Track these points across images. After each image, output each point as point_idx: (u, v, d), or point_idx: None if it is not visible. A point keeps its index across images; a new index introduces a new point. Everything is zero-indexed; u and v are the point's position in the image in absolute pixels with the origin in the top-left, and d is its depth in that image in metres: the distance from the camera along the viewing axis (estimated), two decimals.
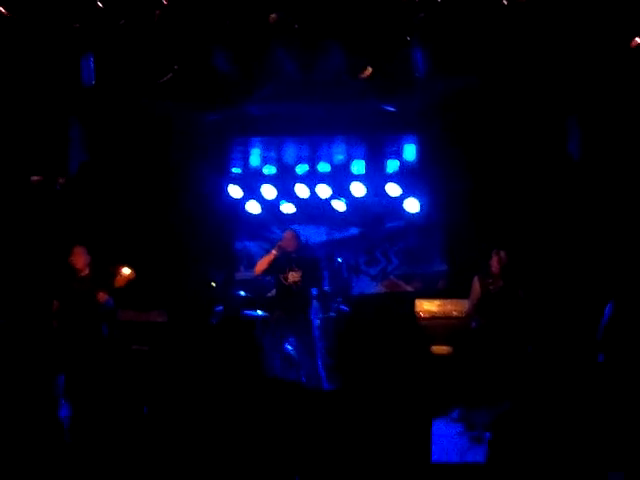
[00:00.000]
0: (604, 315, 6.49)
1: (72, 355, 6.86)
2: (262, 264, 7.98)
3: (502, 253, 7.28)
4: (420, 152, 9.13)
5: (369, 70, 6.45)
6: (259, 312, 8.37)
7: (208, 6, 6.19)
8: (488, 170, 8.73)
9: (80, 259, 7.04)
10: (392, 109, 7.36)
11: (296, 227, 8.94)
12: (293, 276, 7.84)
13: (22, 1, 6.15)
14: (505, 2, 5.91)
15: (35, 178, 7.58)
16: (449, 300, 8.37)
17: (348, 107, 8.02)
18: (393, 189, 9.05)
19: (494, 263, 7.28)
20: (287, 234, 7.95)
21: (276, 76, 7.06)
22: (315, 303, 8.11)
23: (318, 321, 7.98)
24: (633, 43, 6.16)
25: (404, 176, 9.08)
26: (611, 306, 6.50)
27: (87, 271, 7.07)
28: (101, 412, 6.34)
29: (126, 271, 6.76)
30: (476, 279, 7.44)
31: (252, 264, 9.60)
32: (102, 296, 6.85)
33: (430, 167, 9.02)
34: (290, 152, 9.33)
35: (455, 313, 8.30)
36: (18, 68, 6.58)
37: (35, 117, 7.25)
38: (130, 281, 6.80)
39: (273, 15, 6.12)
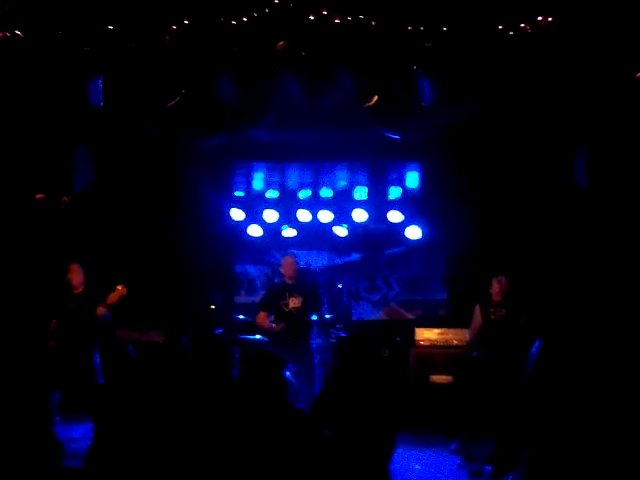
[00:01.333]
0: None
1: (68, 373, 6.86)
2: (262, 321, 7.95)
3: (502, 279, 7.23)
4: (423, 180, 9.18)
5: (375, 98, 6.50)
6: (258, 337, 8.34)
7: (217, 32, 6.25)
8: (491, 198, 8.74)
9: (76, 276, 7.07)
10: (396, 137, 7.40)
11: (297, 252, 8.94)
12: (294, 302, 7.81)
13: (33, 22, 6.19)
14: (511, 33, 5.96)
15: (39, 196, 7.60)
16: (449, 329, 8.35)
17: (352, 134, 8.07)
18: (395, 216, 9.08)
19: (495, 290, 7.24)
20: (286, 259, 7.94)
21: (281, 102, 7.09)
22: (315, 329, 8.11)
23: (316, 347, 7.97)
24: (638, 74, 6.20)
25: (406, 203, 9.12)
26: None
27: (82, 289, 7.09)
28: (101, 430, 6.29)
29: (119, 287, 6.79)
30: (477, 307, 7.39)
31: (252, 288, 9.64)
32: (100, 310, 6.86)
33: (432, 195, 9.06)
34: (293, 177, 9.38)
35: (455, 342, 8.28)
36: (27, 87, 6.62)
37: (43, 137, 7.28)
38: (123, 297, 6.80)
39: (281, 42, 6.18)
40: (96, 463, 5.86)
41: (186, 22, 6.20)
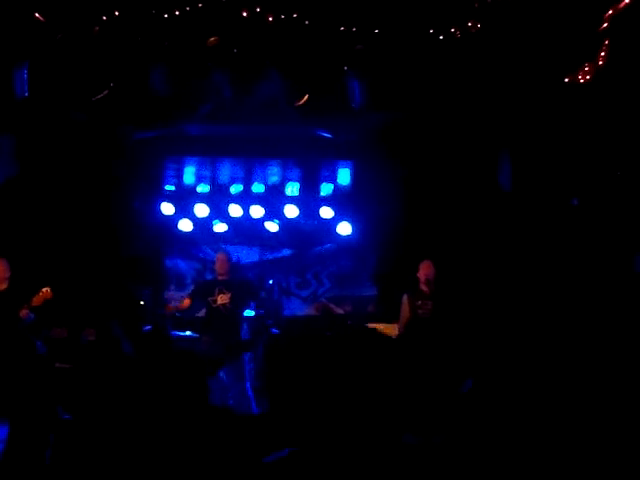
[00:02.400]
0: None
1: None
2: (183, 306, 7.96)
3: (430, 264, 6.92)
4: (354, 177, 9.28)
5: (305, 97, 6.53)
6: (188, 333, 8.29)
7: (148, 25, 6.17)
8: (420, 196, 8.90)
9: (0, 271, 6.84)
10: (328, 135, 7.46)
11: (228, 247, 8.95)
12: (222, 298, 7.78)
13: None
14: (441, 37, 6.09)
15: None
16: (379, 324, 8.45)
17: (285, 130, 8.09)
18: (326, 212, 9.15)
19: (423, 275, 6.91)
20: (219, 256, 7.91)
21: (213, 97, 7.05)
22: (245, 325, 8.11)
23: (247, 342, 7.97)
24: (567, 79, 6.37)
25: (337, 200, 9.21)
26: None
27: (5, 285, 6.87)
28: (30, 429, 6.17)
29: (44, 290, 6.61)
30: (405, 298, 7.04)
31: (182, 283, 9.57)
32: (23, 312, 6.67)
33: (363, 192, 9.17)
34: (225, 172, 9.34)
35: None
36: None
37: None
38: (47, 300, 6.63)
39: (212, 38, 6.14)
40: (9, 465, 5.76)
41: (117, 13, 6.09)
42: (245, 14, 6.11)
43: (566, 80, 6.06)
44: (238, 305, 7.87)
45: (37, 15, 5.92)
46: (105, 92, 6.39)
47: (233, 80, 6.67)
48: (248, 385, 7.77)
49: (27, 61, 6.27)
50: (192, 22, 6.19)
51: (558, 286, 7.67)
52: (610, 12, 5.57)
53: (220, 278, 7.81)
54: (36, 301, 6.58)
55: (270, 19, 6.06)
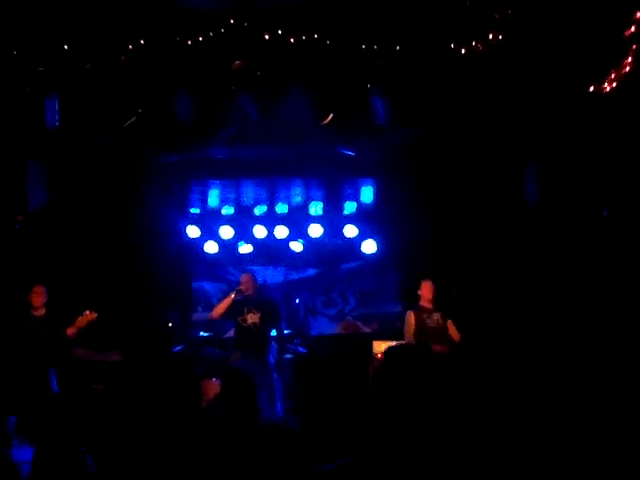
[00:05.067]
0: None
1: (24, 395, 6.76)
2: (220, 308, 7.98)
3: (431, 283, 7.33)
4: (377, 195, 9.33)
5: (330, 117, 6.62)
6: (217, 351, 8.36)
7: (172, 52, 6.30)
8: (444, 212, 8.92)
9: (39, 298, 6.99)
10: (351, 153, 7.53)
11: (254, 268, 9.01)
12: (252, 317, 7.85)
13: None
14: (463, 51, 6.13)
15: None
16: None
17: (307, 150, 8.17)
18: (350, 230, 9.21)
19: (425, 293, 7.31)
20: (244, 277, 7.98)
21: (238, 120, 7.16)
22: (274, 344, 8.15)
23: (275, 362, 8.01)
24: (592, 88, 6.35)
25: (361, 218, 9.25)
26: None
27: (43, 311, 7.01)
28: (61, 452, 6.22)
29: (88, 313, 6.80)
30: (410, 313, 7.37)
31: (209, 305, 9.63)
32: (71, 331, 6.85)
33: (387, 209, 9.20)
34: (248, 193, 9.43)
35: None
36: None
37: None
38: (91, 322, 6.82)
39: (237, 62, 6.26)
40: None
41: (142, 42, 6.23)
42: (267, 37, 6.22)
43: (591, 89, 6.06)
44: (267, 324, 7.94)
45: (65, 46, 6.06)
46: (132, 119, 6.51)
47: (257, 103, 6.77)
48: (279, 406, 7.81)
49: (57, 92, 6.41)
50: (215, 47, 6.31)
51: (588, 300, 7.62)
52: (638, 15, 5.54)
53: (248, 298, 7.89)
54: (81, 322, 6.79)
55: (292, 40, 6.16)
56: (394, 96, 6.40)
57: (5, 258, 7.79)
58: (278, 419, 7.37)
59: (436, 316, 7.27)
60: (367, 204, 9.31)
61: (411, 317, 7.33)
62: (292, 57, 6.29)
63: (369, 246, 9.24)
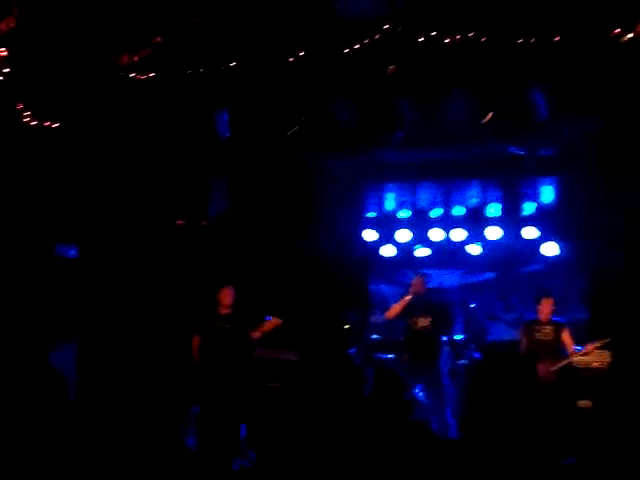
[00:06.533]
0: None
1: (209, 388, 7.27)
2: (396, 309, 8.06)
3: (552, 300, 7.47)
4: (559, 194, 8.84)
5: (489, 115, 6.41)
6: (390, 355, 8.40)
7: (329, 62, 6.47)
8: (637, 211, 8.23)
9: (228, 298, 7.50)
10: (521, 152, 7.22)
11: (430, 271, 8.94)
12: (422, 321, 7.84)
13: (164, 66, 6.74)
14: (631, 35, 5.64)
15: (179, 222, 8.20)
16: None
17: (480, 150, 7.96)
18: (530, 232, 8.81)
19: (545, 310, 7.44)
20: (416, 279, 7.98)
21: (403, 124, 7.17)
22: (445, 350, 8.03)
23: (447, 369, 7.89)
24: None
25: (542, 219, 8.82)
26: None
27: (230, 311, 7.50)
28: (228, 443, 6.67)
29: (274, 318, 7.26)
30: (522, 327, 7.67)
31: (386, 307, 9.67)
32: (257, 335, 7.32)
33: (571, 209, 8.68)
34: (424, 196, 9.38)
35: (596, 364, 7.83)
36: (162, 125, 7.19)
37: (180, 169, 7.85)
38: (276, 327, 7.27)
39: (391, 67, 6.28)
40: None
41: (301, 54, 6.47)
42: (422, 39, 6.17)
43: None
44: (438, 329, 7.86)
45: (232, 63, 6.47)
46: (296, 128, 6.79)
47: (417, 106, 6.75)
48: (449, 411, 7.68)
49: (225, 105, 6.87)
50: (370, 53, 6.38)
51: None
52: None
53: (418, 302, 7.86)
54: (267, 327, 7.28)
55: (447, 41, 6.06)
56: (558, 89, 6.02)
57: (192, 259, 8.44)
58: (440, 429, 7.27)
59: (548, 328, 7.39)
60: (548, 204, 8.85)
61: (521, 331, 7.65)
62: (449, 58, 6.18)
63: (550, 248, 8.78)
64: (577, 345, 7.61)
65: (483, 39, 5.89)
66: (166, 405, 7.23)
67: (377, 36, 6.22)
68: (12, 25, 6.15)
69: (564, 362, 7.41)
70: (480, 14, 5.98)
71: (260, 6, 6.52)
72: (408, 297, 7.93)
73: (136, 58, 6.72)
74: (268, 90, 6.71)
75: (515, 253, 9.10)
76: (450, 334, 8.05)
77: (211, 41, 6.58)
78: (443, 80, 6.40)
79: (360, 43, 6.31)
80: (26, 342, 6.97)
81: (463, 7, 6.05)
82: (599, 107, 6.33)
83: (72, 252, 7.80)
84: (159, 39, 6.64)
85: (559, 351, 7.42)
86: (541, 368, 6.89)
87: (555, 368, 7.33)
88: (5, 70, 6.32)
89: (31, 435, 4.83)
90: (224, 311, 7.50)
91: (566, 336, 7.44)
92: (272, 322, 7.35)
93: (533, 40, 5.69)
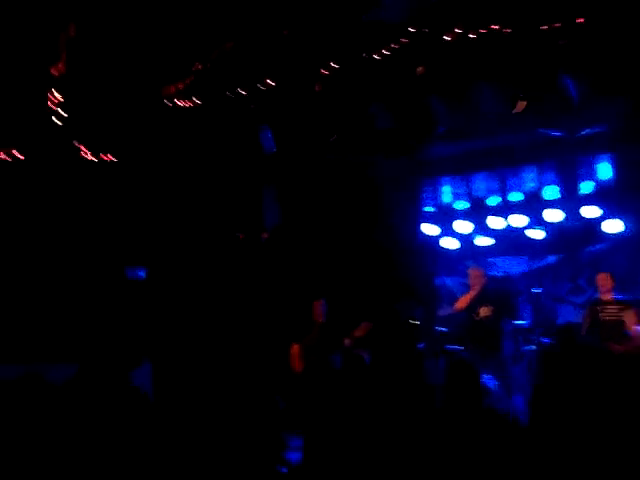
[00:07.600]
0: None
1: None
2: (464, 301, 8.14)
3: (608, 275, 7.39)
4: (617, 169, 8.66)
5: (523, 104, 6.41)
6: (457, 347, 8.48)
7: (359, 71, 6.63)
8: None
9: (319, 309, 7.79)
10: (560, 134, 7.17)
11: (493, 260, 8.97)
12: (484, 311, 7.90)
13: (207, 91, 7.09)
14: None
15: (240, 235, 8.56)
16: None
17: (521, 138, 7.93)
18: (590, 211, 8.68)
19: (601, 285, 7.39)
20: (472, 271, 8.03)
21: (439, 120, 7.26)
22: (509, 337, 8.06)
23: (511, 355, 7.91)
24: None
25: (601, 196, 8.67)
26: None
27: (323, 319, 7.81)
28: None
29: (367, 324, 7.72)
30: (587, 308, 7.58)
31: (453, 299, 9.75)
32: (348, 341, 7.60)
33: (630, 184, 8.49)
34: (480, 185, 9.36)
35: None
36: (211, 147, 7.55)
37: (232, 186, 8.19)
38: (368, 331, 7.55)
39: (419, 68, 6.39)
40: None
41: (336, 66, 6.67)
42: (449, 38, 6.25)
43: None
44: (500, 317, 7.89)
45: (269, 81, 6.74)
46: (335, 136, 6.99)
47: (452, 101, 6.82)
48: (518, 399, 7.69)
49: (268, 122, 7.15)
50: (400, 57, 6.50)
51: None
52: None
53: (480, 293, 7.92)
54: (359, 332, 7.58)
55: (472, 36, 6.12)
56: (582, 72, 5.98)
57: (253, 269, 8.75)
58: (507, 414, 7.28)
59: (612, 308, 7.18)
60: (606, 180, 8.67)
61: (585, 312, 7.53)
62: (475, 52, 6.23)
63: (614, 225, 8.62)
64: None
65: (507, 30, 5.92)
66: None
67: (405, 40, 6.34)
68: (62, 70, 6.61)
69: None
70: (502, 6, 6.00)
71: (290, 24, 6.76)
72: (475, 291, 7.98)
73: (181, 86, 7.09)
74: (306, 103, 6.93)
75: (578, 234, 8.98)
76: (513, 321, 8.05)
77: (247, 63, 6.86)
78: (473, 75, 6.44)
79: (389, 48, 6.45)
80: (108, 364, 7.43)
81: (484, 2, 6.08)
82: (629, 87, 6.22)
83: (141, 273, 8.25)
84: (200, 66, 6.98)
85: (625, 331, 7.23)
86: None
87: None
88: (63, 114, 6.81)
89: (119, 448, 5.21)
90: (319, 319, 7.75)
91: (629, 315, 7.23)
92: (364, 327, 7.59)
93: (558, 25, 5.67)
